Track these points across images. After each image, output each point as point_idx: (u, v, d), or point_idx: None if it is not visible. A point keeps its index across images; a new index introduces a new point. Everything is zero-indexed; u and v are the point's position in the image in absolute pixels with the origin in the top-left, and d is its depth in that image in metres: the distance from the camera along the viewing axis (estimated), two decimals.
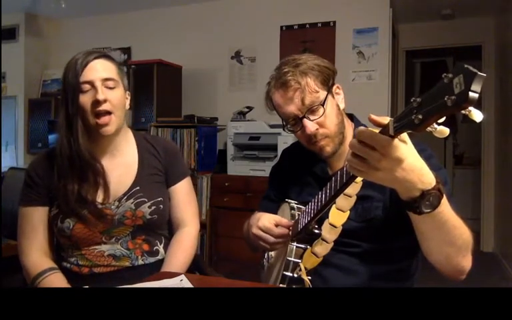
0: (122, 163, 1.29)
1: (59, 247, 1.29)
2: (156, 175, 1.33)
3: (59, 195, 1.21)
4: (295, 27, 3.65)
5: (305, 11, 3.62)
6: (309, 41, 3.56)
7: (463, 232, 0.87)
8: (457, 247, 0.88)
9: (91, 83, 1.18)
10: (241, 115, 3.41)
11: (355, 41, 3.48)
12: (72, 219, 1.20)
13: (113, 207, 1.23)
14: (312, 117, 1.10)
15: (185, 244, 1.32)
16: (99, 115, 1.19)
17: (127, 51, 4.27)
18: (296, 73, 1.09)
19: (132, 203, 1.25)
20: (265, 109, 1.21)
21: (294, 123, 1.13)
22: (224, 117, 3.60)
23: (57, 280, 1.20)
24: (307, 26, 3.61)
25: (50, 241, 1.27)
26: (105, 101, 1.18)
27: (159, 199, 1.29)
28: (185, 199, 1.37)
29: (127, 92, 1.30)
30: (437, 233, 0.85)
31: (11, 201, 1.86)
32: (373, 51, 3.43)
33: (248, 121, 3.37)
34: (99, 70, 1.20)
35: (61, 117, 1.21)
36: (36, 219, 1.25)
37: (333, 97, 1.14)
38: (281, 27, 3.69)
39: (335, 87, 1.16)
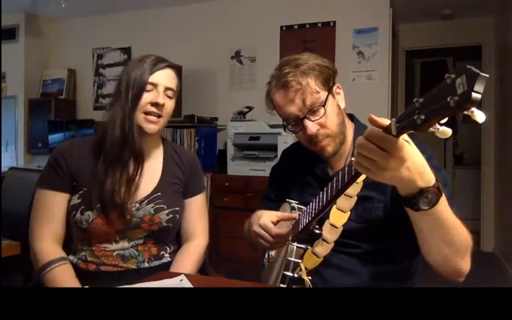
0: (148, 167, 1.31)
1: (69, 239, 1.28)
2: (177, 184, 1.35)
3: (92, 184, 1.21)
4: (295, 27, 3.65)
5: (305, 11, 3.62)
6: (309, 40, 3.56)
7: (462, 233, 0.87)
8: (456, 247, 0.88)
9: (156, 86, 1.25)
10: (241, 115, 3.41)
11: (355, 41, 3.48)
12: (93, 212, 1.20)
13: (133, 208, 1.25)
14: (313, 118, 1.10)
15: (192, 255, 1.34)
16: (149, 113, 1.24)
17: (127, 51, 4.27)
18: (297, 74, 1.09)
19: (152, 207, 1.26)
20: (265, 109, 1.21)
21: (295, 123, 1.13)
22: (224, 117, 3.61)
23: (67, 272, 1.19)
24: (307, 26, 3.61)
25: (64, 230, 1.26)
26: (163, 106, 1.25)
27: (177, 208, 1.31)
28: (198, 213, 1.40)
29: None
30: (435, 232, 0.85)
31: (11, 201, 1.86)
32: (373, 50, 3.43)
33: (248, 121, 3.38)
34: (165, 78, 1.27)
35: (116, 108, 1.23)
36: (54, 205, 1.23)
37: (334, 96, 1.14)
38: (281, 27, 3.69)
39: (335, 87, 1.15)
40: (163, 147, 1.39)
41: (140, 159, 1.26)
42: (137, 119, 1.23)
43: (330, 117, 1.11)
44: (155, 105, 1.24)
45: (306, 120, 1.10)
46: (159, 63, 1.27)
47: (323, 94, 1.10)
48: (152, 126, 1.25)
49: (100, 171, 1.22)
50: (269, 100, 1.17)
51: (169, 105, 1.28)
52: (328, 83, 1.12)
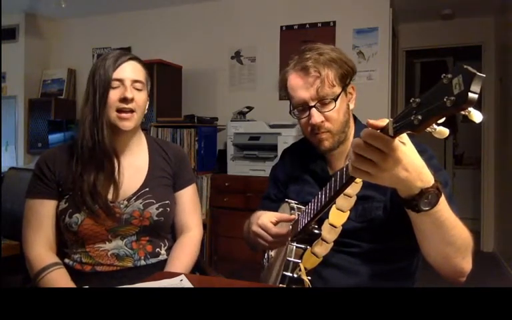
0: (133, 164, 1.32)
1: (63, 243, 1.30)
2: (165, 177, 1.35)
3: (74, 186, 1.22)
4: (295, 27, 3.65)
5: (305, 11, 3.62)
6: (309, 40, 3.51)
7: (462, 233, 0.88)
8: (456, 247, 0.88)
9: (122, 81, 1.23)
10: (241, 115, 3.40)
11: (355, 40, 3.48)
12: (81, 214, 1.21)
13: (121, 205, 1.25)
14: (321, 109, 1.10)
15: (188, 248, 1.34)
16: (121, 111, 1.23)
17: (127, 51, 4.26)
18: (319, 61, 1.10)
19: (141, 203, 1.27)
20: (276, 87, 1.21)
21: (302, 109, 1.14)
22: (224, 117, 3.60)
23: (61, 275, 1.20)
24: (307, 26, 3.61)
25: (55, 235, 1.28)
26: (132, 100, 1.23)
27: (167, 202, 1.31)
28: (190, 205, 1.40)
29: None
30: (435, 231, 0.85)
31: (11, 201, 1.86)
32: (373, 50, 3.43)
33: (248, 121, 3.37)
34: (131, 71, 1.25)
35: (86, 110, 1.23)
36: (43, 212, 1.25)
37: (346, 95, 1.15)
38: (281, 27, 3.69)
39: (349, 87, 1.16)
40: (147, 142, 1.38)
41: (115, 158, 1.25)
42: (110, 118, 1.22)
43: (337, 113, 1.12)
44: (124, 100, 1.22)
45: (314, 109, 1.10)
46: (122, 56, 1.25)
47: (338, 89, 1.11)
48: (126, 123, 1.24)
49: (76, 174, 1.23)
50: (284, 79, 1.17)
51: (140, 97, 1.26)
52: (345, 80, 1.13)
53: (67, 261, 1.27)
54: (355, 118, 1.24)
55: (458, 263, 0.90)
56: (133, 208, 1.26)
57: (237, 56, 3.84)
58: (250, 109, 3.42)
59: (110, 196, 1.24)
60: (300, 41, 3.58)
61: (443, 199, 0.81)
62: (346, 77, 1.13)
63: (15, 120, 4.38)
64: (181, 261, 1.29)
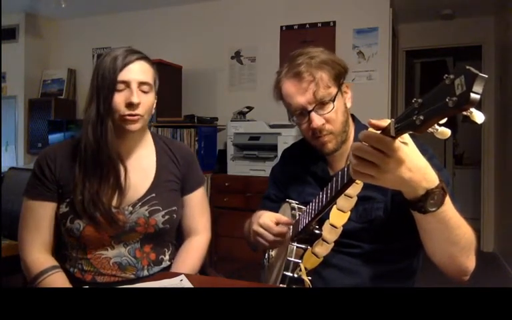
0: (139, 167, 1.25)
1: (63, 246, 1.25)
2: (173, 181, 1.29)
3: (74, 193, 1.16)
4: (295, 27, 3.65)
5: (305, 11, 3.62)
6: (309, 41, 3.55)
7: (466, 231, 0.88)
8: (461, 246, 0.88)
9: (128, 84, 1.15)
10: (241, 115, 3.41)
11: (355, 40, 3.48)
12: (83, 220, 1.16)
13: (126, 212, 1.19)
14: (320, 112, 1.10)
15: (194, 252, 1.30)
16: (126, 115, 1.15)
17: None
18: (311, 65, 1.09)
19: (146, 210, 1.21)
20: (272, 96, 1.20)
21: (300, 114, 1.13)
22: (224, 117, 3.61)
23: (60, 279, 1.16)
24: (307, 26, 3.61)
25: (53, 238, 1.22)
26: (139, 104, 1.15)
27: (173, 208, 1.26)
28: (198, 209, 1.35)
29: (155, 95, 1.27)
30: (440, 231, 0.85)
31: (11, 201, 1.86)
32: (373, 50, 3.43)
33: (248, 121, 3.37)
34: (138, 72, 1.16)
35: (90, 111, 1.15)
36: (41, 214, 1.19)
37: (342, 94, 1.15)
38: (281, 27, 3.69)
39: (344, 86, 1.16)
40: (154, 143, 1.31)
41: (120, 163, 1.18)
42: (115, 121, 1.15)
43: (336, 113, 1.11)
44: (130, 105, 1.14)
45: (313, 113, 1.10)
46: (129, 56, 1.15)
47: (333, 90, 1.11)
48: (132, 125, 1.16)
49: (78, 178, 1.16)
50: (278, 88, 1.16)
51: (147, 100, 1.18)
52: (339, 79, 1.13)
53: (67, 266, 1.22)
54: (354, 117, 1.24)
55: (463, 262, 0.90)
56: (138, 215, 1.20)
57: (237, 56, 3.84)
58: (250, 109, 3.42)
59: (114, 202, 1.18)
60: (300, 41, 3.58)
61: (447, 199, 0.80)
62: (339, 76, 1.13)
63: (15, 120, 4.38)
64: (187, 265, 1.26)
